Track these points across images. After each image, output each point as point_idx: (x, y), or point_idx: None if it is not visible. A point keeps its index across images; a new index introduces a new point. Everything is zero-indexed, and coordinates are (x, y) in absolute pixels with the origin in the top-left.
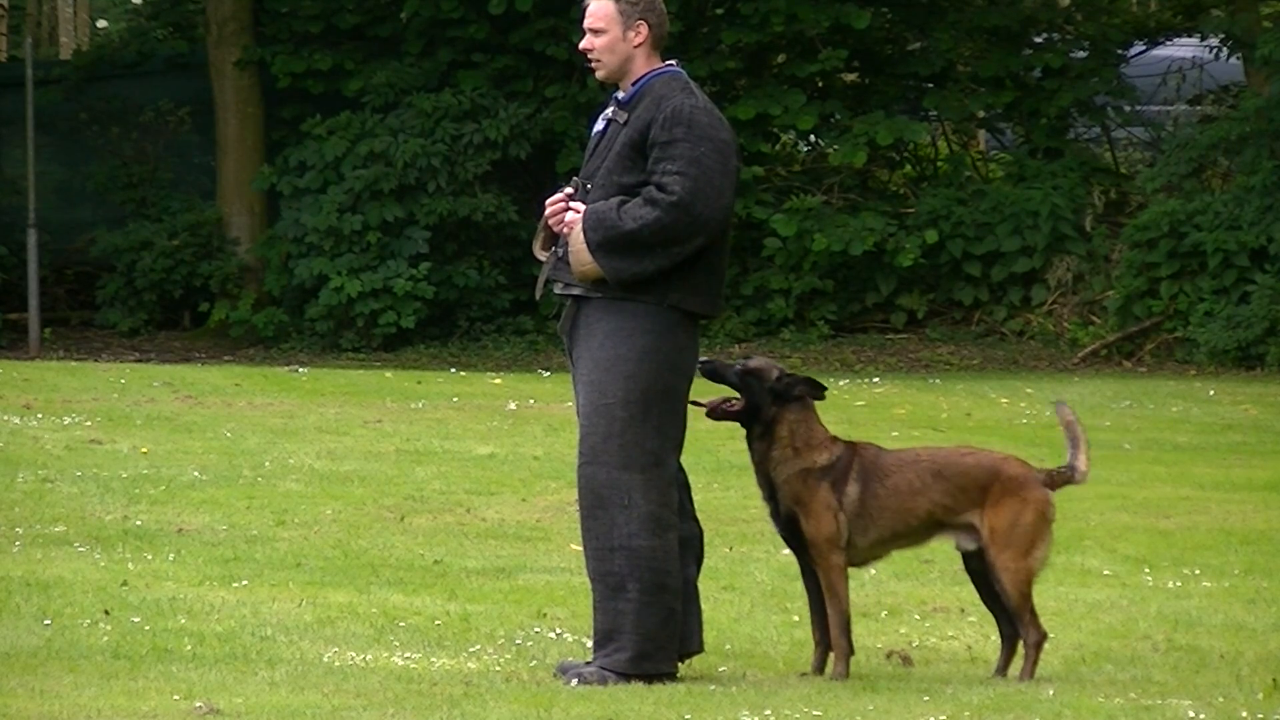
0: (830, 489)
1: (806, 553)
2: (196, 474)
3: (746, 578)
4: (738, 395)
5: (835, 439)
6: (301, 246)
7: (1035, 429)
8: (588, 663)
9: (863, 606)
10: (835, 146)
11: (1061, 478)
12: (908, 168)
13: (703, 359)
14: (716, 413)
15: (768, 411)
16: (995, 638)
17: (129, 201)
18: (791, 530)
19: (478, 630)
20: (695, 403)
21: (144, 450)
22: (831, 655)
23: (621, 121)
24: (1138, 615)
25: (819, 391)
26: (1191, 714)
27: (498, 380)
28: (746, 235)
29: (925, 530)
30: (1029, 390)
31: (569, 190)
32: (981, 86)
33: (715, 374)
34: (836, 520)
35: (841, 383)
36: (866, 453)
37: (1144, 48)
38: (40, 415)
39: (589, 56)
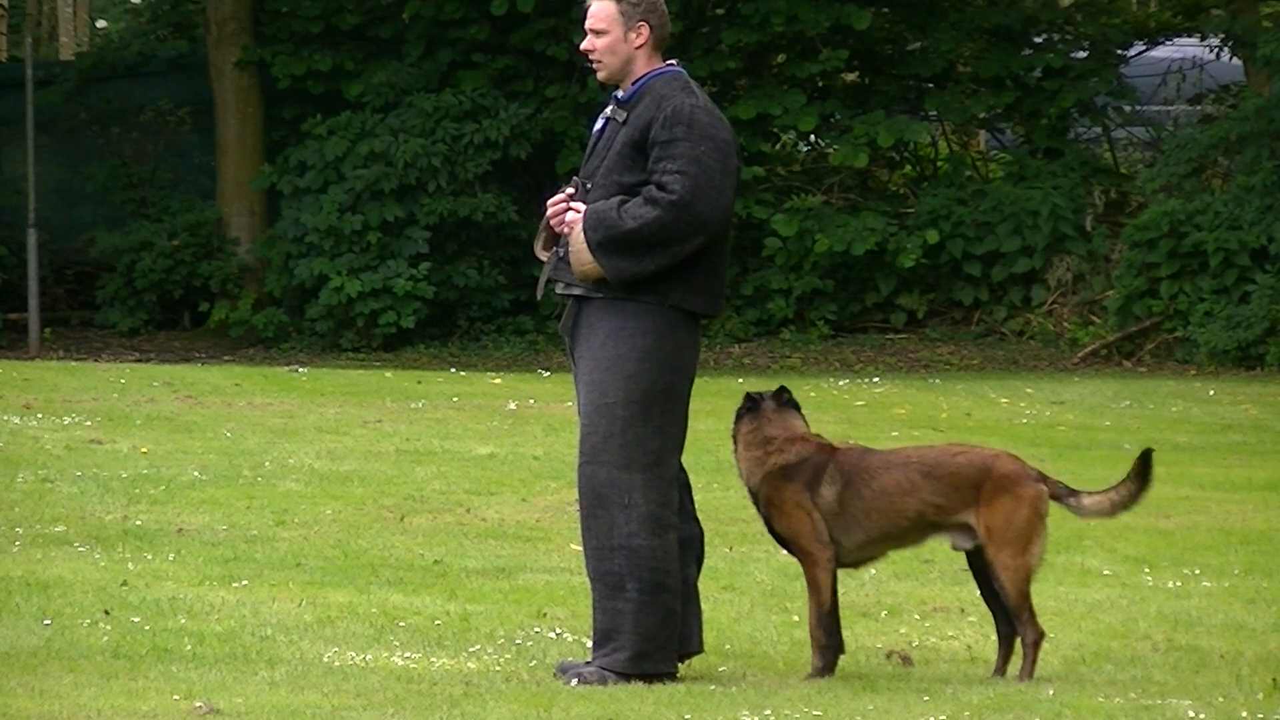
0: (802, 488)
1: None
2: (196, 474)
3: (746, 578)
4: None
5: (803, 439)
6: (301, 246)
7: (1035, 429)
8: (587, 663)
9: (863, 606)
10: (835, 147)
11: (1057, 489)
12: (908, 168)
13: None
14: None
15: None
16: (995, 637)
17: (129, 201)
18: (772, 531)
19: (478, 630)
20: None
21: (144, 450)
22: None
23: (621, 121)
24: (1138, 615)
25: (760, 400)
26: (1191, 714)
27: (498, 380)
28: (747, 235)
29: (918, 531)
30: (1029, 390)
31: (570, 190)
32: (982, 87)
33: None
34: (811, 518)
35: (841, 383)
36: (848, 455)
37: (1144, 48)
38: (40, 415)
39: (590, 57)
